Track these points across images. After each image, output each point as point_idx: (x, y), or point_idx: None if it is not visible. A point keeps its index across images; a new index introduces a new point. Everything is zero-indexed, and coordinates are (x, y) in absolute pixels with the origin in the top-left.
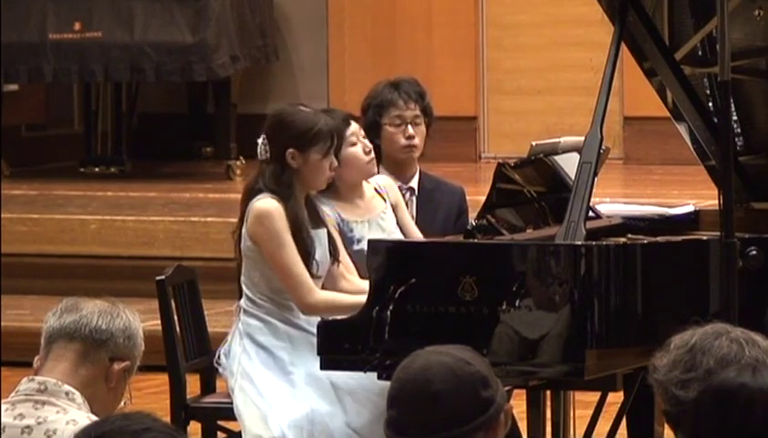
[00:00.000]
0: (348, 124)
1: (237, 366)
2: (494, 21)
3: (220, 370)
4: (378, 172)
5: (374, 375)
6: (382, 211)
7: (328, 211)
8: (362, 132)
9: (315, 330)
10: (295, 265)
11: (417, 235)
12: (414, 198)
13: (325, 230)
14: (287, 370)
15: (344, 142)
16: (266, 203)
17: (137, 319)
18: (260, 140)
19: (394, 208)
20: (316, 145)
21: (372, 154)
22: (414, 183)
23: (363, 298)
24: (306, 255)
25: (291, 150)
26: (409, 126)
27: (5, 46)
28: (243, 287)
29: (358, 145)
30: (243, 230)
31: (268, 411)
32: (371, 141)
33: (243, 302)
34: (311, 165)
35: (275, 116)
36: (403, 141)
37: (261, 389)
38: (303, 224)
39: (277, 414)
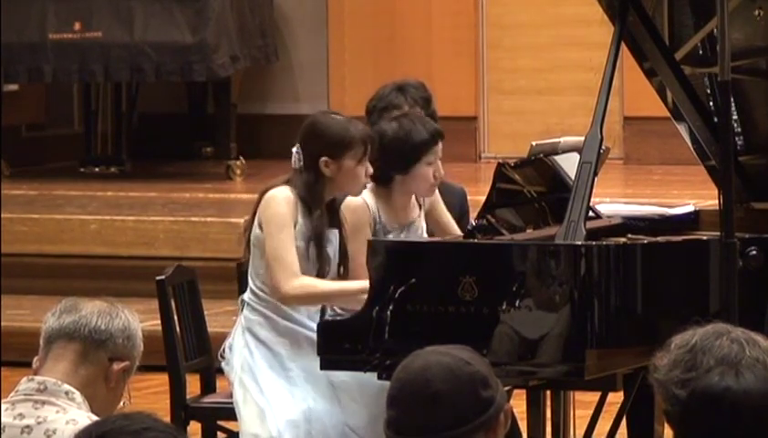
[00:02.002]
0: (436, 142)
1: (238, 360)
2: (494, 21)
3: (223, 364)
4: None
5: (373, 374)
6: (416, 218)
7: (371, 206)
8: (441, 153)
9: (315, 327)
10: (285, 251)
11: (456, 232)
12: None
13: (337, 232)
14: (286, 365)
15: (423, 159)
16: (279, 191)
17: (136, 320)
18: (294, 149)
19: (429, 211)
20: (349, 152)
21: (438, 180)
22: None
23: (344, 285)
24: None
25: (324, 158)
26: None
27: (5, 46)
28: (249, 280)
29: (432, 166)
30: (256, 220)
31: (266, 410)
32: None
33: (246, 295)
34: (345, 172)
35: (308, 124)
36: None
37: (260, 385)
38: (321, 240)
39: (275, 413)
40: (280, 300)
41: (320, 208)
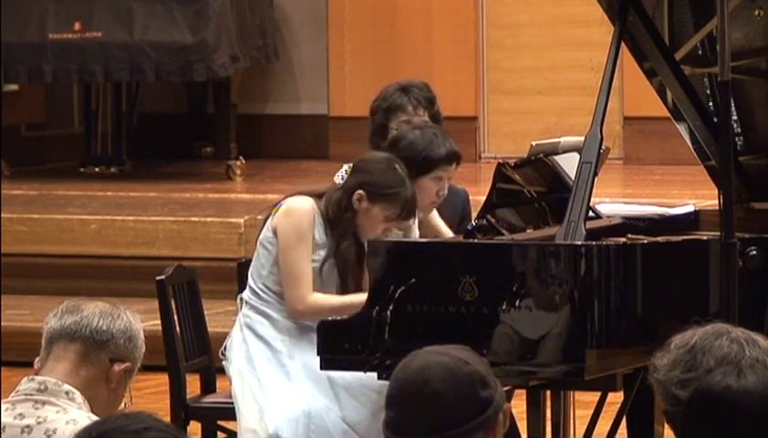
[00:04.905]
0: (450, 163)
1: (237, 354)
2: (494, 21)
3: (224, 362)
4: None
5: (373, 373)
6: (410, 225)
7: None
8: (452, 174)
9: (314, 325)
10: (301, 267)
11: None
12: None
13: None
14: (284, 362)
15: (431, 173)
16: (301, 202)
17: (138, 322)
18: (345, 167)
19: (426, 221)
20: (384, 203)
21: (439, 200)
22: None
23: (352, 298)
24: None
25: (361, 191)
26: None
27: (5, 46)
28: (249, 278)
29: (438, 183)
30: (269, 222)
31: (265, 406)
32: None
33: (245, 294)
34: (369, 217)
35: (374, 158)
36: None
37: (260, 380)
38: (346, 270)
39: (273, 409)
40: (292, 315)
41: (348, 239)
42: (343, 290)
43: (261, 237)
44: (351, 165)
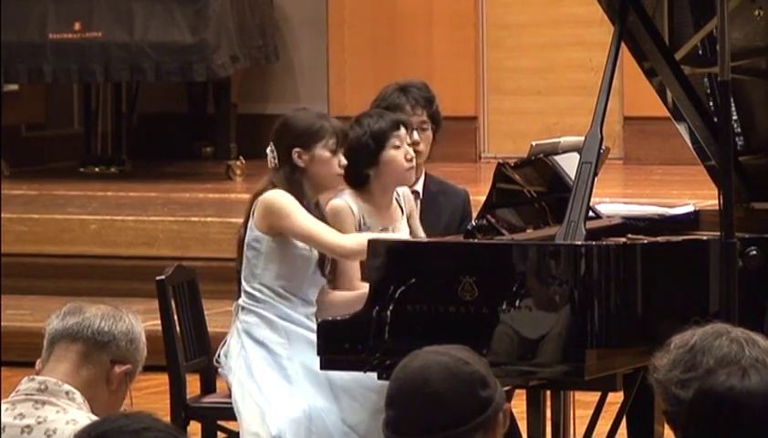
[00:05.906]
0: (397, 128)
1: (236, 362)
2: (494, 21)
3: (219, 370)
4: None
5: (373, 373)
6: (399, 221)
7: (354, 209)
8: (409, 139)
9: (313, 326)
10: (315, 221)
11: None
12: (419, 201)
13: None
14: (284, 365)
15: (387, 144)
16: (273, 192)
17: (140, 324)
18: (268, 150)
19: (408, 218)
20: (320, 141)
21: (413, 163)
22: (419, 187)
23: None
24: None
25: (297, 149)
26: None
27: (5, 46)
28: (244, 283)
29: (400, 150)
30: (250, 222)
31: (266, 409)
32: None
33: (241, 300)
34: (318, 162)
35: (279, 122)
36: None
37: (259, 385)
38: None
39: (275, 412)
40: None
41: (306, 198)
42: (321, 258)
43: (247, 240)
44: (271, 144)
